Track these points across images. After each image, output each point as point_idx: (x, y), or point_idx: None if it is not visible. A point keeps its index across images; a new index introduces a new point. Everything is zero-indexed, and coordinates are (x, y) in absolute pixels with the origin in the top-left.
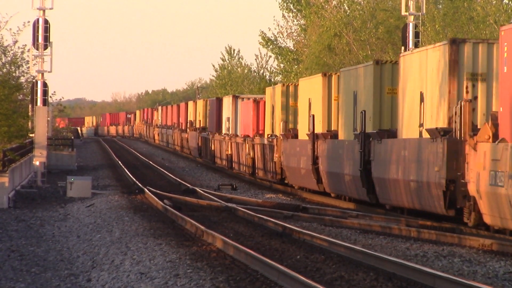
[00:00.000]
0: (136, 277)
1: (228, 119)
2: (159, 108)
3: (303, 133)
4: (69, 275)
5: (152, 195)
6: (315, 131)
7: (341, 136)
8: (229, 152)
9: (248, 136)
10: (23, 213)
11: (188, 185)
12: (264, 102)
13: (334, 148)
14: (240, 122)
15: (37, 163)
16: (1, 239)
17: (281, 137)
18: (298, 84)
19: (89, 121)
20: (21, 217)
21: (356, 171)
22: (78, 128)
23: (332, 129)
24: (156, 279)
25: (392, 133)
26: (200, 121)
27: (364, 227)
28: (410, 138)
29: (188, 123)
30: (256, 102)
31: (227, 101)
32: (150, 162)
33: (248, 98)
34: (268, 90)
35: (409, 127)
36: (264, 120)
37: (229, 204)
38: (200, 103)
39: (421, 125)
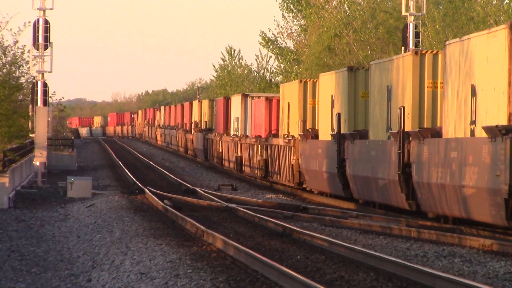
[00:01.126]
0: (137, 277)
1: (237, 119)
2: (162, 108)
3: (324, 133)
4: (69, 275)
5: (153, 195)
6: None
7: (371, 136)
8: (239, 154)
9: (260, 136)
10: (23, 213)
11: (189, 185)
12: (277, 100)
13: (365, 149)
14: (251, 122)
15: (37, 163)
16: (1, 239)
17: (300, 138)
18: (316, 81)
19: (98, 121)
20: (21, 217)
21: (393, 174)
22: (86, 128)
23: (359, 128)
24: (157, 279)
25: (437, 132)
26: (206, 121)
27: (364, 227)
28: (461, 137)
29: (193, 124)
30: (269, 100)
31: (236, 100)
32: (151, 163)
33: (259, 97)
34: (283, 87)
35: (457, 125)
36: (277, 119)
37: (230, 204)
38: (206, 103)
39: (472, 122)
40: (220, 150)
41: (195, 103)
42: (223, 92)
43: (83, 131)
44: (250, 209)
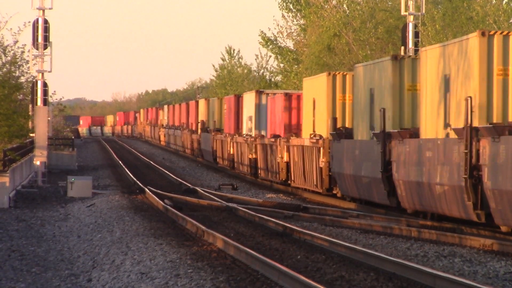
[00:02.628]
0: (137, 277)
1: (251, 118)
2: (165, 107)
3: (361, 132)
4: (70, 275)
5: (153, 195)
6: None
7: (423, 134)
8: (253, 156)
9: (278, 136)
10: (23, 213)
11: (189, 185)
12: (297, 96)
13: (418, 150)
14: (267, 121)
15: (38, 163)
16: (1, 239)
17: (331, 138)
18: (346, 74)
19: (111, 120)
20: (22, 217)
21: (457, 179)
22: (100, 127)
23: (405, 126)
24: (157, 279)
25: None
26: (214, 121)
27: (364, 227)
28: None
29: (199, 124)
30: (288, 96)
31: (249, 98)
32: (151, 162)
33: (274, 94)
34: (307, 81)
35: None
36: (298, 117)
37: (230, 204)
38: (215, 101)
39: None
40: (231, 152)
41: (202, 102)
42: (223, 92)
43: (97, 130)
44: (250, 209)
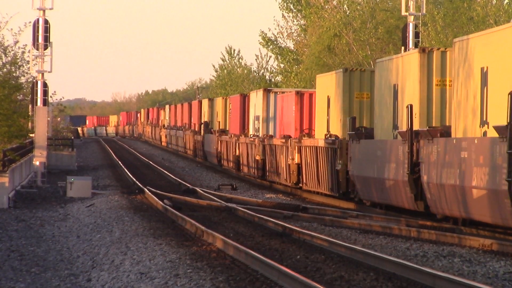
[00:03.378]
0: (136, 277)
1: (258, 117)
2: (167, 107)
3: (383, 131)
4: (69, 275)
5: (152, 195)
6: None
7: (455, 133)
8: (260, 158)
9: (289, 137)
10: (23, 213)
11: (188, 185)
12: (310, 95)
13: (451, 150)
14: (277, 121)
15: (37, 163)
16: (1, 239)
17: (349, 138)
18: (364, 69)
19: (114, 120)
20: (21, 217)
21: (498, 183)
22: (104, 127)
23: (432, 124)
24: (156, 279)
25: None
26: (219, 122)
27: (364, 227)
28: None
29: (202, 124)
30: (300, 95)
31: (256, 97)
32: (150, 162)
33: (283, 92)
34: (322, 78)
35: None
36: (310, 116)
37: (229, 204)
38: (219, 101)
39: None
40: (236, 154)
41: (205, 102)
42: (223, 92)
43: (102, 130)
44: (250, 209)
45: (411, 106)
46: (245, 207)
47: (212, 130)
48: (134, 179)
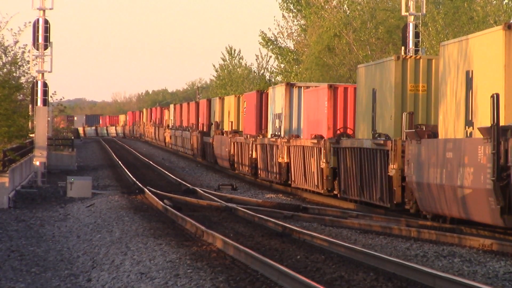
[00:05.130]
0: (136, 277)
1: (279, 116)
2: (171, 106)
3: (450, 129)
4: (69, 275)
5: (152, 195)
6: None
7: None
8: (285, 161)
9: (321, 137)
10: (23, 213)
11: (189, 185)
12: (344, 89)
13: None
14: (303, 119)
15: (37, 163)
16: (1, 239)
17: (406, 137)
18: (420, 57)
19: (123, 120)
20: (21, 217)
21: None
22: (111, 127)
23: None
24: (156, 279)
25: None
26: (231, 122)
27: (364, 227)
28: None
29: (212, 125)
30: (333, 89)
31: (276, 93)
32: (151, 162)
33: (307, 87)
34: (365, 69)
35: None
36: (345, 113)
37: (229, 204)
38: (231, 99)
39: None
40: (253, 156)
41: (216, 101)
42: (223, 92)
43: (112, 130)
44: (250, 209)
45: (497, 96)
46: (245, 207)
47: (223, 131)
48: (134, 179)
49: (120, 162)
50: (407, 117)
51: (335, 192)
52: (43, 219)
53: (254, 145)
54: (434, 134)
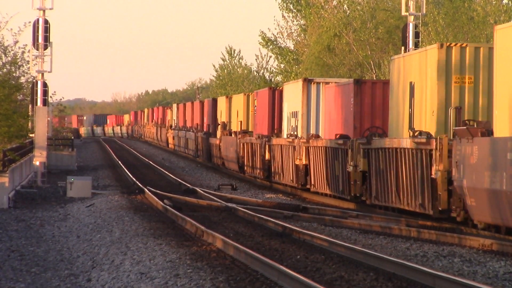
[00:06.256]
0: (136, 277)
1: (295, 114)
2: (174, 106)
3: (507, 126)
4: (69, 275)
5: (152, 195)
6: None
7: None
8: (303, 163)
9: (347, 137)
10: (23, 213)
11: (188, 185)
12: (372, 84)
13: None
14: (323, 117)
15: (37, 163)
16: (1, 239)
17: (454, 136)
18: (466, 45)
19: (127, 119)
20: (21, 217)
21: None
22: (116, 127)
23: None
24: (156, 279)
25: None
26: (240, 122)
27: (364, 227)
28: None
29: (219, 126)
30: (359, 84)
31: (292, 89)
32: (150, 162)
33: (327, 83)
34: (401, 60)
35: None
36: (372, 111)
37: (229, 204)
38: (240, 98)
39: None
40: (266, 158)
41: (222, 100)
42: (223, 92)
43: (117, 130)
44: (250, 209)
45: None
46: (245, 207)
47: (231, 131)
48: (134, 179)
49: (120, 162)
50: (454, 112)
51: (364, 198)
52: (43, 219)
53: (267, 145)
54: (488, 131)
